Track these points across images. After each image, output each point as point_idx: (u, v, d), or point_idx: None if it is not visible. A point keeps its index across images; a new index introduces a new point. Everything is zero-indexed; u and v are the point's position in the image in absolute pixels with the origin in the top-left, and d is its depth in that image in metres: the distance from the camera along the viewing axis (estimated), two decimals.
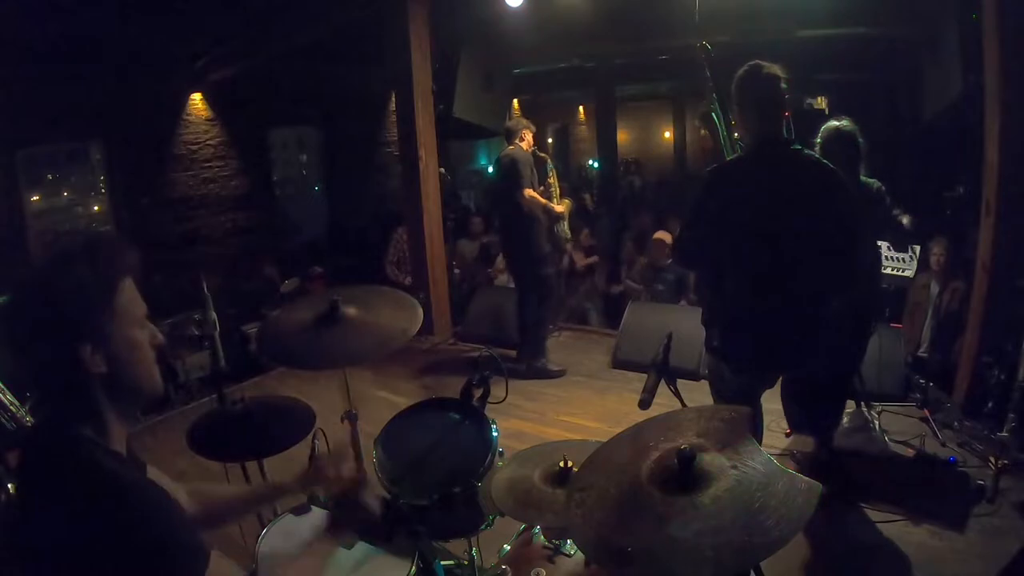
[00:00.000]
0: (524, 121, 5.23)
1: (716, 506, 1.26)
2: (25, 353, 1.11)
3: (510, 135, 5.13)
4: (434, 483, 2.00)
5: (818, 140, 3.25)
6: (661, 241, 6.16)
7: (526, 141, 5.07)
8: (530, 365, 5.11)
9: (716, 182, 2.59)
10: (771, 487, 1.26)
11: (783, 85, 2.51)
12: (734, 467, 1.32)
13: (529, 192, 4.89)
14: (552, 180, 5.26)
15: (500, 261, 7.23)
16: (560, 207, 5.14)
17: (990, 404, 3.64)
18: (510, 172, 4.91)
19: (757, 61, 2.56)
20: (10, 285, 1.13)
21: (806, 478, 1.26)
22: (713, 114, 3.20)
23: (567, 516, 1.40)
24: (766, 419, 2.92)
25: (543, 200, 4.99)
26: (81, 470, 1.08)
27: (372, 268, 7.38)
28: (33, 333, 1.09)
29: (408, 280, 6.57)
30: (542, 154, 5.45)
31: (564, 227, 5.25)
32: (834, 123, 3.28)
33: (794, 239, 2.45)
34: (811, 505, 1.20)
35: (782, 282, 2.47)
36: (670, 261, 5.90)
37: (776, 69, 2.52)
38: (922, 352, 5.01)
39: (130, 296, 1.17)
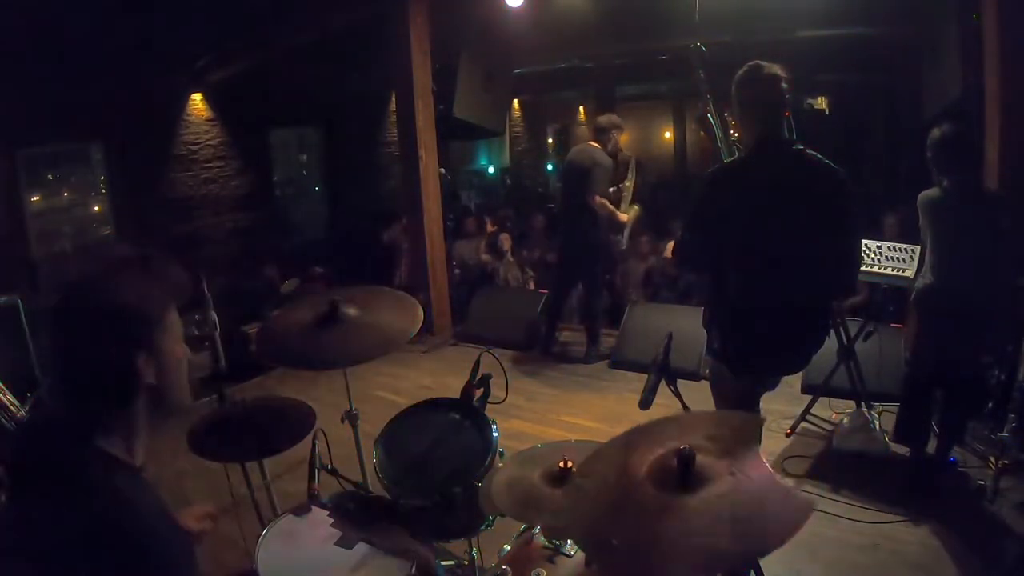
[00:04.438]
0: (618, 120, 5.22)
1: (707, 509, 1.26)
2: (82, 354, 1.12)
3: (600, 133, 5.11)
4: (434, 484, 2.01)
5: None
6: None
7: (612, 142, 5.10)
8: (595, 353, 5.34)
9: (717, 184, 2.58)
10: (765, 498, 1.27)
11: (783, 85, 2.50)
12: (732, 474, 1.32)
13: (599, 200, 4.98)
14: (628, 183, 5.32)
15: (506, 251, 7.23)
16: (624, 216, 5.24)
17: (990, 404, 3.64)
18: (587, 174, 4.95)
19: (757, 61, 2.54)
20: (75, 286, 1.15)
21: (802, 492, 1.27)
22: (709, 115, 3.19)
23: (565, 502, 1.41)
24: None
25: (611, 208, 5.08)
26: (94, 490, 1.07)
27: (375, 269, 7.37)
28: (96, 335, 1.11)
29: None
30: (627, 154, 5.50)
31: (622, 239, 5.46)
32: None
33: (796, 240, 2.45)
34: (802, 520, 1.21)
35: (784, 283, 2.47)
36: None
37: (776, 69, 2.51)
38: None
39: (175, 315, 1.24)
